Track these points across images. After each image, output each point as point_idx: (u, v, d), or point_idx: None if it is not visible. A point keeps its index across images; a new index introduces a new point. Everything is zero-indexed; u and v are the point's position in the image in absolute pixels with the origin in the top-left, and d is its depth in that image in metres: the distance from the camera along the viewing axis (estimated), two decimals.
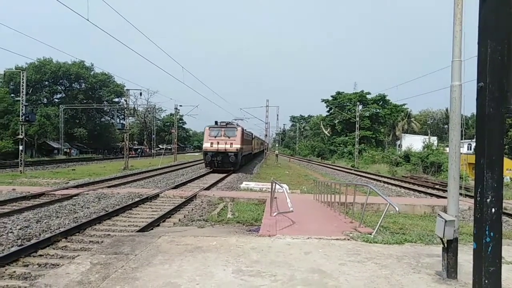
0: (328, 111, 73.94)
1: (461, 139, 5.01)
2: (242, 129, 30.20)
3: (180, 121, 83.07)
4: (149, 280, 4.50)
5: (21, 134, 27.36)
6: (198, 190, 16.20)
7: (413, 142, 52.55)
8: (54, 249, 7.61)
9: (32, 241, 7.82)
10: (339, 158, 60.57)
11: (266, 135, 55.84)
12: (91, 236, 8.78)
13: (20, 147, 27.12)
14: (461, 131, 4.94)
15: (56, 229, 9.11)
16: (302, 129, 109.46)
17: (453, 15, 4.71)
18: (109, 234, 8.76)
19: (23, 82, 27.85)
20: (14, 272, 6.15)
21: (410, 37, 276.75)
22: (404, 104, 69.81)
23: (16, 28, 62.75)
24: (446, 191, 5.20)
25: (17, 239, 8.06)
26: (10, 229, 8.91)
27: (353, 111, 58.33)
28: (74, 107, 60.42)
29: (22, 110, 27.42)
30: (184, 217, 11.30)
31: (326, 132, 74.45)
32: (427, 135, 65.25)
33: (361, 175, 32.16)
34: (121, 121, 48.96)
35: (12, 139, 41.46)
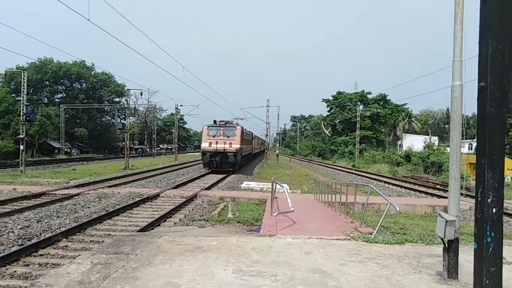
0: (328, 111, 73.98)
1: (462, 139, 5.00)
2: (242, 128, 29.44)
3: (181, 121, 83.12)
4: (150, 280, 4.50)
5: (22, 134, 27.39)
6: (199, 190, 16.20)
7: (414, 142, 52.53)
8: (54, 248, 7.62)
9: (33, 241, 7.82)
10: (339, 158, 60.56)
11: (266, 135, 55.86)
12: (92, 235, 8.78)
13: (21, 147, 27.16)
14: (462, 131, 4.94)
15: (57, 228, 9.11)
16: (302, 129, 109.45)
17: (454, 15, 4.70)
18: (109, 234, 8.76)
19: (24, 82, 27.87)
20: (15, 271, 6.16)
21: (409, 36, 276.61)
22: (405, 104, 69.89)
23: (17, 28, 62.72)
24: (447, 191, 5.19)
25: (18, 239, 8.06)
26: (11, 228, 8.92)
27: (353, 111, 58.31)
28: (74, 106, 60.48)
29: (23, 109, 27.45)
30: (185, 217, 11.30)
31: (326, 132, 74.43)
32: (428, 135, 65.20)
33: (361, 175, 32.15)
34: (122, 121, 49.01)
35: (13, 138, 41.52)
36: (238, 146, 27.18)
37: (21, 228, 8.98)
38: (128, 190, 16.15)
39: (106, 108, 70.23)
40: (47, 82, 64.32)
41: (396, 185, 24.69)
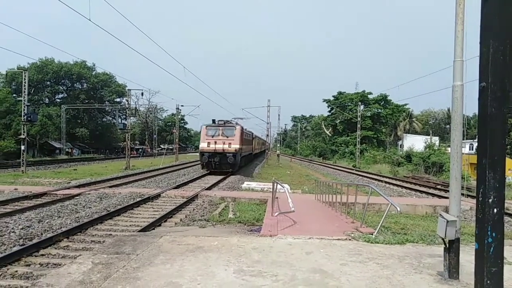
0: (329, 111, 73.98)
1: (463, 139, 5.00)
2: (241, 128, 28.47)
3: (182, 121, 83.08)
4: (151, 280, 4.50)
5: (23, 134, 27.42)
6: (200, 190, 16.21)
7: (415, 142, 52.49)
8: (56, 248, 7.62)
9: (34, 241, 7.83)
10: (340, 158, 60.54)
11: (267, 135, 55.86)
12: (93, 236, 8.79)
13: (22, 147, 27.19)
14: (463, 131, 4.93)
15: (58, 228, 9.12)
16: (303, 129, 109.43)
17: (455, 15, 4.70)
18: (110, 234, 8.77)
19: (25, 82, 27.91)
20: (16, 271, 6.17)
21: (409, 37, 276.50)
22: (405, 104, 69.85)
23: (18, 28, 62.83)
24: (448, 191, 5.19)
25: (19, 239, 8.07)
26: (12, 228, 8.93)
27: (354, 111, 58.30)
28: (76, 107, 60.59)
29: (24, 110, 27.49)
30: (186, 217, 11.30)
31: (327, 132, 74.42)
32: (428, 135, 65.18)
33: (362, 175, 32.14)
34: (123, 121, 48.95)
35: (14, 139, 41.57)
36: (238, 146, 26.31)
37: (22, 228, 8.99)
38: (129, 190, 16.16)
39: (107, 108, 70.33)
40: (48, 82, 64.44)
41: (397, 185, 24.68)
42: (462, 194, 7.15)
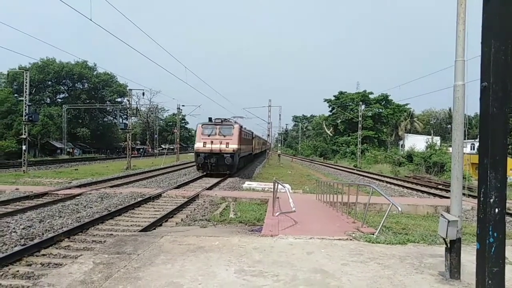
0: (330, 111, 73.95)
1: (464, 139, 4.99)
2: (240, 126, 26.93)
3: (183, 121, 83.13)
4: (152, 280, 4.51)
5: (24, 134, 27.46)
6: (201, 190, 16.21)
7: (416, 142, 52.45)
8: (57, 248, 7.63)
9: (35, 241, 7.84)
10: (341, 158, 60.51)
11: (268, 135, 55.88)
12: (94, 235, 8.80)
13: (23, 147, 27.23)
14: (464, 131, 4.92)
15: (59, 228, 9.13)
16: (304, 129, 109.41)
17: (456, 15, 4.69)
18: (111, 234, 8.78)
19: (26, 82, 27.95)
20: (17, 271, 6.18)
21: (410, 37, 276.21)
22: (407, 104, 69.77)
23: (19, 28, 62.96)
24: (449, 191, 5.18)
25: (20, 239, 8.08)
26: (13, 228, 8.95)
27: (355, 111, 58.24)
28: (77, 107, 60.68)
29: (25, 110, 27.53)
30: (187, 217, 11.31)
31: (328, 132, 74.39)
32: (430, 135, 65.09)
33: (363, 175, 32.11)
34: (124, 121, 49.01)
35: (15, 139, 41.64)
36: (236, 146, 24.71)
37: (23, 228, 9.01)
38: (130, 190, 16.17)
39: (108, 108, 70.43)
40: (49, 82, 64.56)
41: (398, 185, 24.66)
42: (464, 194, 7.14)
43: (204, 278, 4.64)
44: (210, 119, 26.27)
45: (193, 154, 26.09)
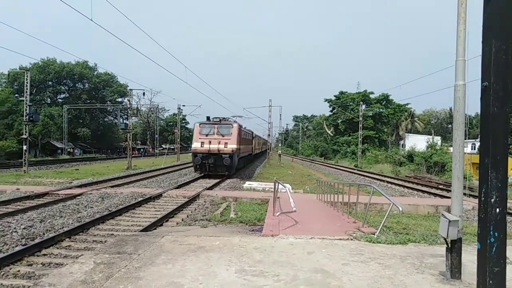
0: (331, 111, 73.92)
1: (465, 139, 4.99)
2: (239, 126, 25.96)
3: (183, 121, 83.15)
4: (152, 280, 4.51)
5: (25, 134, 27.49)
6: (201, 190, 16.22)
7: (417, 142, 52.40)
8: (58, 248, 7.64)
9: (36, 241, 7.85)
10: (342, 158, 60.49)
11: (269, 135, 55.88)
12: (95, 235, 8.81)
13: (24, 147, 27.25)
14: (465, 130, 4.92)
15: (60, 228, 9.15)
16: (305, 129, 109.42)
17: (457, 14, 4.68)
18: (112, 234, 8.78)
19: (27, 82, 27.98)
20: (18, 271, 6.18)
21: (411, 37, 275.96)
22: (407, 104, 69.69)
23: (19, 28, 62.97)
24: (450, 191, 5.17)
25: (21, 239, 8.10)
26: (14, 228, 8.96)
27: (356, 110, 58.20)
28: (77, 107, 60.72)
29: (26, 110, 27.55)
30: (187, 216, 11.31)
31: (329, 132, 74.37)
32: (430, 134, 64.96)
33: (364, 175, 32.10)
34: (124, 121, 49.07)
35: (16, 139, 41.68)
36: (235, 146, 23.72)
37: (24, 228, 9.02)
38: (130, 190, 16.18)
39: (108, 108, 70.46)
40: (50, 83, 64.64)
41: (399, 185, 24.65)
42: (464, 194, 7.14)
43: (204, 278, 4.64)
44: (208, 118, 25.34)
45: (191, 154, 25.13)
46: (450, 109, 75.81)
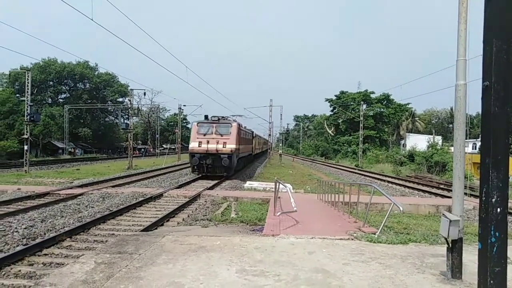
0: (332, 111, 73.92)
1: (466, 139, 4.98)
2: (239, 125, 25.03)
3: (184, 121, 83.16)
4: (153, 280, 4.51)
5: (26, 134, 27.52)
6: (202, 190, 16.22)
7: (418, 142, 52.35)
8: (58, 248, 7.65)
9: (37, 240, 7.86)
10: (343, 158, 60.48)
11: (269, 135, 55.87)
12: (96, 235, 8.82)
13: (25, 147, 27.28)
14: (466, 130, 4.92)
15: (61, 228, 9.15)
16: (305, 129, 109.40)
17: (458, 14, 4.68)
18: (113, 234, 8.79)
19: (28, 82, 28.01)
20: (19, 271, 6.19)
21: (411, 37, 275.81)
22: (408, 104, 69.69)
23: (19, 28, 63.01)
24: (451, 190, 5.17)
25: (22, 238, 8.10)
26: (16, 228, 8.97)
27: (357, 110, 58.20)
28: (78, 107, 60.77)
29: (27, 110, 27.57)
30: (188, 216, 11.32)
31: (330, 132, 74.37)
32: (431, 134, 64.94)
33: (365, 175, 32.09)
34: (125, 121, 49.21)
35: (17, 139, 41.74)
36: (234, 146, 22.86)
37: (25, 228, 9.03)
38: (131, 190, 16.19)
39: (109, 108, 70.52)
40: (51, 83, 64.69)
41: (400, 185, 24.64)
42: (465, 194, 7.14)
43: (205, 277, 4.64)
44: (206, 117, 24.48)
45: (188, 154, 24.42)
46: (451, 109, 75.77)
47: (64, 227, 9.24)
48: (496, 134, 3.45)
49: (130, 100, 39.08)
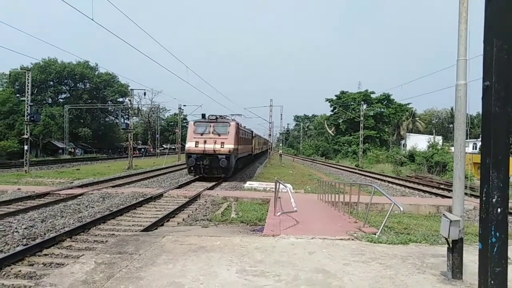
0: (332, 111, 73.91)
1: (467, 139, 4.97)
2: (237, 124, 24.10)
3: (184, 121, 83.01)
4: (153, 280, 4.51)
5: (26, 134, 27.53)
6: (202, 190, 16.22)
7: (418, 142, 52.35)
8: (59, 248, 7.65)
9: (37, 241, 7.86)
10: (343, 158, 60.48)
11: (270, 135, 55.88)
12: (96, 235, 8.82)
13: (25, 147, 27.29)
14: (467, 130, 4.91)
15: (61, 228, 9.15)
16: (306, 129, 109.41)
17: (458, 14, 4.67)
18: (113, 234, 8.79)
19: (28, 82, 28.02)
20: (20, 271, 6.19)
21: (411, 37, 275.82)
22: (408, 104, 69.66)
23: (20, 28, 63.09)
24: (451, 191, 5.16)
25: (23, 239, 8.10)
26: (16, 228, 8.97)
27: (357, 110, 58.19)
28: (78, 107, 60.81)
29: (27, 110, 27.59)
30: (188, 216, 11.31)
31: (330, 132, 74.37)
32: (432, 134, 64.94)
33: (365, 175, 32.08)
34: (125, 121, 49.24)
35: (17, 139, 41.77)
36: (232, 146, 21.92)
37: (25, 228, 9.03)
38: (131, 190, 16.20)
39: (109, 108, 70.56)
40: (51, 83, 64.72)
41: (400, 185, 24.63)
42: (466, 194, 7.13)
43: (205, 278, 4.64)
44: (203, 115, 23.57)
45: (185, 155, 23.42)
46: (451, 109, 75.79)
47: (64, 227, 9.24)
48: (496, 134, 3.44)
49: (130, 100, 39.10)
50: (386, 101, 67.16)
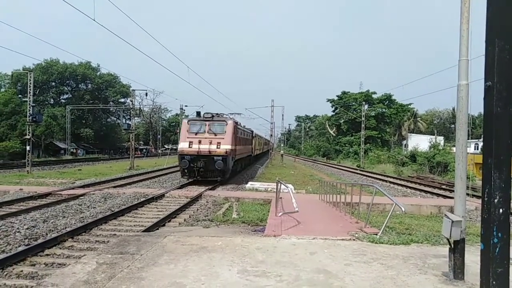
0: (333, 111, 73.80)
1: (468, 139, 4.96)
2: (235, 123, 22.35)
3: None
4: (155, 280, 4.51)
5: (28, 135, 27.61)
6: (203, 190, 16.23)
7: (420, 142, 52.25)
8: (60, 248, 7.67)
9: (39, 241, 7.88)
10: (344, 158, 60.40)
11: (271, 135, 55.84)
12: (97, 236, 8.83)
13: (27, 148, 27.38)
14: (468, 130, 4.90)
15: (63, 229, 9.17)
16: (307, 129, 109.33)
17: (460, 14, 4.67)
18: (115, 234, 8.80)
19: (30, 83, 28.11)
20: (21, 271, 6.21)
21: (412, 37, 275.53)
22: (410, 104, 69.45)
23: (20, 29, 63.21)
24: (453, 191, 5.16)
25: (24, 239, 8.13)
26: (17, 228, 8.99)
27: (358, 110, 58.15)
28: (80, 107, 60.92)
29: (29, 110, 27.69)
30: (190, 217, 11.32)
31: (331, 132, 74.27)
32: (433, 134, 64.81)
33: (366, 175, 32.03)
34: (127, 122, 49.29)
35: (19, 139, 41.92)
36: (229, 147, 20.12)
37: (27, 228, 9.05)
38: (133, 190, 16.22)
39: (111, 109, 70.63)
40: (53, 83, 64.85)
41: (402, 185, 24.57)
42: (467, 194, 7.11)
43: (207, 278, 4.64)
44: (198, 113, 21.84)
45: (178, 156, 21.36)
46: (453, 109, 75.63)
47: (66, 228, 9.26)
48: (498, 134, 3.44)
49: (132, 101, 39.19)
50: (387, 102, 67.00)
